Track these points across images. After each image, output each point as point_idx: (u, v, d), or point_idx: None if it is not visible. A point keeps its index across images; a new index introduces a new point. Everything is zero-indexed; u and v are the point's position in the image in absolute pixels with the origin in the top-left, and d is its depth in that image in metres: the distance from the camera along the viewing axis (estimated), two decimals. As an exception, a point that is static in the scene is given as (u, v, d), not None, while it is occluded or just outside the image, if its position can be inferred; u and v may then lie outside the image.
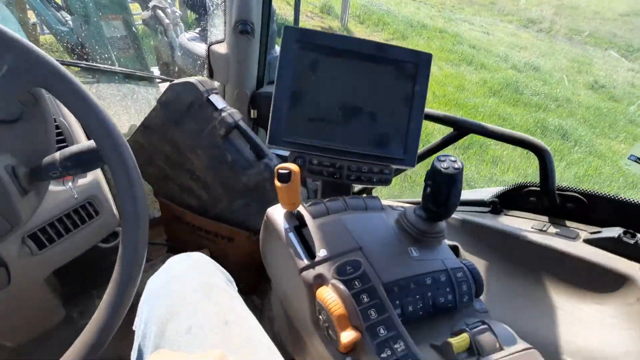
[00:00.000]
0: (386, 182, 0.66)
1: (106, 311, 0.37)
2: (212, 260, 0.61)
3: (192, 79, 0.95)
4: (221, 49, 1.13)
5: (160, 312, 0.48)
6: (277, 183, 0.47)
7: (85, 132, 0.36)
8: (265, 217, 0.52)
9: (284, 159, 1.08)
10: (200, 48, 1.35)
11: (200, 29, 1.52)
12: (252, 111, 1.24)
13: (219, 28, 1.16)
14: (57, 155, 0.44)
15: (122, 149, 0.39)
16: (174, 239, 1.21)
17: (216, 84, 1.17)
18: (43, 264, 0.53)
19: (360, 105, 0.65)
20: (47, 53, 0.35)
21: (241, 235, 1.06)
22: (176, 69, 1.64)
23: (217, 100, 0.98)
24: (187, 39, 1.43)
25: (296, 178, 0.46)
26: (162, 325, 0.46)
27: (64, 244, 0.51)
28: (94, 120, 0.37)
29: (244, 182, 1.00)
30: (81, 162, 0.43)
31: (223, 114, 0.97)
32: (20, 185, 0.43)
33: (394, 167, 0.67)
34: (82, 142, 0.52)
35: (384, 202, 0.60)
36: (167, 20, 1.67)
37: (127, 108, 1.09)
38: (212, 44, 1.14)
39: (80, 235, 0.71)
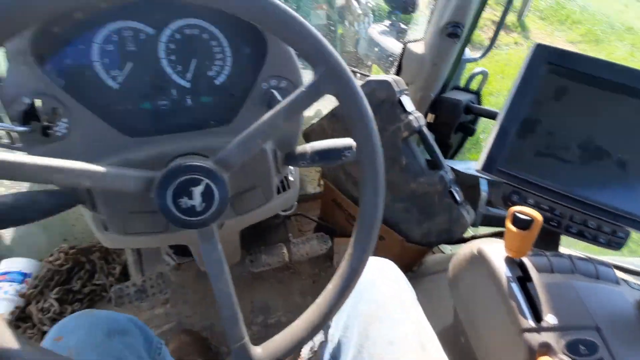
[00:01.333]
0: (616, 246, 0.54)
1: (333, 293, 0.41)
2: (397, 268, 0.62)
3: (388, 77, 0.96)
4: (417, 48, 1.11)
5: (362, 316, 0.51)
6: (510, 226, 0.43)
7: (350, 129, 0.40)
8: (476, 251, 0.49)
9: (459, 175, 1.02)
10: (389, 42, 1.36)
11: (390, 22, 1.53)
12: (429, 115, 1.20)
13: (418, 26, 1.14)
14: (308, 147, 0.49)
15: (377, 156, 0.41)
16: (327, 219, 1.31)
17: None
18: (245, 220, 0.63)
19: (607, 146, 0.54)
20: None
21: (393, 236, 1.06)
22: (357, 59, 1.73)
23: (407, 102, 0.98)
24: (378, 32, 1.46)
25: (537, 227, 0.41)
26: (364, 329, 0.49)
27: (262, 209, 0.59)
28: (362, 124, 0.40)
29: (412, 188, 0.99)
30: (330, 156, 0.48)
31: (410, 117, 0.96)
32: (276, 166, 0.51)
33: (633, 230, 0.54)
34: None
35: (579, 253, 0.50)
36: (359, 11, 1.74)
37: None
38: (408, 42, 1.13)
39: (274, 204, 0.80)
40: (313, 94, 0.37)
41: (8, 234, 1.10)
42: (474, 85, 1.28)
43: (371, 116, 0.40)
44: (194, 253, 0.78)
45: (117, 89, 0.47)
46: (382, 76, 0.97)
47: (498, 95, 4.96)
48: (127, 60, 0.47)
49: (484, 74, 1.25)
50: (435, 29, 1.03)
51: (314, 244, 1.18)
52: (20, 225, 0.38)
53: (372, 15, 1.72)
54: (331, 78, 0.36)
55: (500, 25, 1.07)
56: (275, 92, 0.50)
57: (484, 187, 1.00)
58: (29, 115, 0.41)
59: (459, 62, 1.15)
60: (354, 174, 1.10)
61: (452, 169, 1.01)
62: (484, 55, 1.18)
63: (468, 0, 0.94)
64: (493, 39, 1.13)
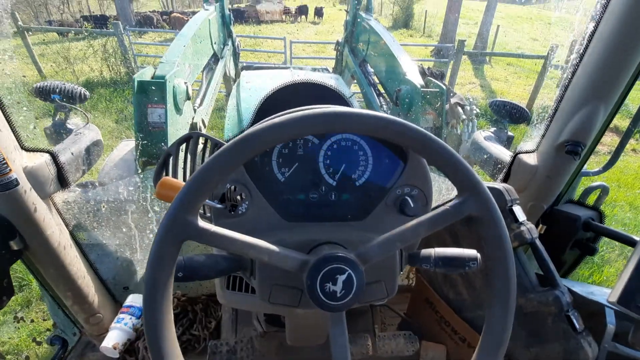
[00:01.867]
0: None
1: None
2: None
3: (499, 186, 0.98)
4: (530, 159, 1.12)
5: None
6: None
7: (484, 246, 0.44)
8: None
9: (576, 298, 0.92)
10: (495, 149, 1.39)
11: (495, 129, 1.58)
12: (540, 226, 1.14)
13: (532, 139, 1.16)
14: (433, 252, 0.54)
15: (511, 279, 0.43)
16: (416, 317, 1.25)
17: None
18: None
19: None
20: None
21: (494, 356, 0.96)
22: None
23: (518, 212, 0.96)
24: (484, 137, 1.51)
25: None
26: None
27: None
28: (499, 245, 0.43)
29: (520, 304, 0.92)
30: (454, 264, 0.51)
31: (522, 228, 0.93)
32: (400, 264, 0.56)
33: None
34: None
35: None
36: (463, 116, 1.85)
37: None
38: (520, 152, 1.15)
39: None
40: (457, 212, 0.43)
41: (141, 272, 1.30)
42: (590, 200, 1.19)
43: (508, 239, 0.44)
44: (288, 324, 0.83)
45: (283, 181, 0.60)
46: (492, 183, 1.00)
47: (614, 205, 4.36)
48: (295, 161, 0.60)
49: (604, 189, 1.17)
50: (551, 143, 1.04)
51: (400, 343, 1.13)
52: (202, 280, 0.49)
53: (476, 120, 1.81)
54: (476, 201, 0.42)
55: (627, 138, 1.03)
56: (409, 199, 0.57)
57: (610, 318, 0.88)
58: (223, 196, 0.55)
59: (576, 177, 1.11)
60: (453, 276, 1.07)
61: (570, 290, 0.92)
62: (605, 169, 1.13)
63: (592, 121, 0.95)
64: (616, 153, 1.08)
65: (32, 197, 0.86)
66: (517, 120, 1.53)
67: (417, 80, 1.75)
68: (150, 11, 19.21)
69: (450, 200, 0.47)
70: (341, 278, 0.44)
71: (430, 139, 0.43)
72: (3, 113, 0.80)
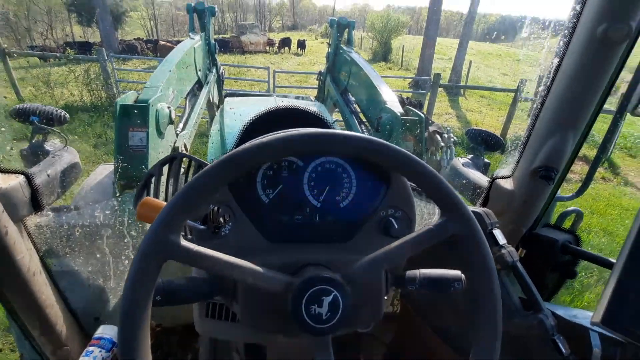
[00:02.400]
0: None
1: None
2: None
3: (479, 209, 1.00)
4: (506, 184, 1.16)
5: None
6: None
7: (468, 267, 0.44)
8: None
9: (560, 322, 0.93)
10: (473, 175, 1.44)
11: (472, 156, 1.64)
12: (520, 250, 1.16)
13: (507, 165, 1.21)
14: (418, 273, 0.54)
15: (497, 299, 0.43)
16: (399, 344, 1.22)
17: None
18: None
19: None
20: None
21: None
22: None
23: (499, 235, 0.98)
24: (462, 163, 1.56)
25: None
26: None
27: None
28: (482, 265, 0.43)
29: (505, 329, 0.91)
30: (439, 285, 0.51)
31: (502, 251, 0.95)
32: (386, 287, 0.55)
33: None
34: None
35: None
36: (442, 144, 1.92)
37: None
38: (497, 178, 1.19)
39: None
40: (441, 232, 0.43)
41: (114, 302, 1.23)
42: (566, 224, 1.24)
43: (492, 258, 0.44)
44: (270, 355, 0.79)
45: (267, 203, 0.59)
46: (472, 207, 1.02)
47: (589, 230, 4.53)
48: (279, 183, 0.60)
49: (578, 214, 1.22)
50: (525, 169, 1.09)
51: (386, 373, 1.09)
52: (181, 304, 0.47)
53: (454, 147, 1.88)
54: (458, 221, 0.43)
55: (596, 166, 1.09)
56: (393, 220, 0.58)
57: (595, 341, 0.88)
58: (206, 217, 0.54)
59: (552, 201, 1.15)
60: (438, 302, 1.07)
61: (553, 313, 0.93)
62: (577, 195, 1.18)
63: (562, 147, 1.00)
64: (587, 180, 1.13)
65: (3, 220, 0.82)
66: (493, 147, 1.60)
67: (397, 108, 1.82)
68: (134, 39, 19.43)
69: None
70: (327, 300, 0.43)
71: (412, 159, 0.44)
72: None
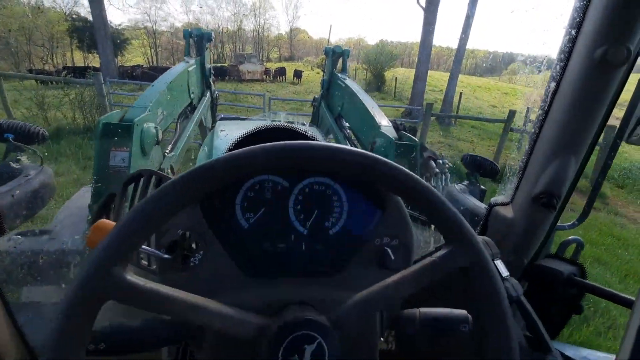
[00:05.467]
0: None
1: None
2: None
3: (479, 239, 0.94)
4: (506, 211, 1.10)
5: None
6: None
7: (476, 304, 0.37)
8: None
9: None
10: (469, 201, 1.39)
11: (468, 182, 1.59)
12: (522, 282, 1.09)
13: (505, 191, 1.16)
14: (417, 312, 0.46)
15: (512, 341, 0.36)
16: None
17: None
18: None
19: None
20: None
21: None
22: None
23: (501, 267, 0.91)
24: (457, 189, 1.52)
25: None
26: None
27: None
28: (494, 303, 0.37)
29: (511, 372, 0.82)
30: (443, 327, 0.44)
31: (506, 284, 0.88)
32: (381, 329, 0.47)
33: None
34: None
35: None
36: (436, 170, 1.89)
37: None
38: (495, 204, 1.14)
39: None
40: (446, 265, 0.37)
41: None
42: (566, 254, 1.18)
43: (504, 293, 0.38)
44: None
45: (247, 228, 0.52)
46: (472, 236, 0.96)
47: (583, 260, 4.45)
48: (261, 205, 0.53)
49: (579, 244, 1.16)
50: (526, 195, 1.04)
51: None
52: (135, 353, 0.39)
53: (449, 173, 1.84)
54: (467, 252, 0.37)
55: (596, 192, 1.05)
56: (389, 250, 0.51)
57: (610, 388, 0.80)
58: (174, 245, 0.46)
59: (552, 230, 1.10)
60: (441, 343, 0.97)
61: (562, 354, 0.85)
62: (580, 222, 1.12)
63: (564, 172, 0.96)
64: (588, 207, 1.09)
65: None
66: (489, 174, 1.56)
67: (392, 133, 1.78)
68: (134, 65, 19.81)
69: (435, 251, 0.41)
70: (310, 348, 0.36)
71: (412, 178, 0.38)
72: None
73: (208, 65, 3.01)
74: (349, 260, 0.52)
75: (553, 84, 0.97)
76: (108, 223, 0.41)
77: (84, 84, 7.88)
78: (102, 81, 7.38)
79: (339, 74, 3.08)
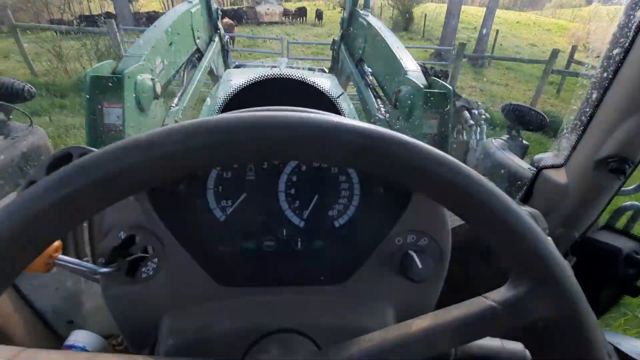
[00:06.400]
0: None
1: None
2: None
3: (523, 212, 0.78)
4: (557, 176, 0.92)
5: None
6: None
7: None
8: None
9: (621, 355, 0.72)
10: (511, 160, 1.19)
11: (508, 137, 1.38)
12: (569, 258, 0.94)
13: (560, 151, 0.96)
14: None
15: None
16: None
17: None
18: None
19: None
20: None
21: None
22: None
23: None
24: (495, 145, 1.32)
25: None
26: None
27: None
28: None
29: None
30: None
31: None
32: None
33: None
34: None
35: None
36: (471, 121, 1.66)
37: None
38: (544, 167, 0.95)
39: None
40: (515, 314, 0.22)
41: (89, 304, 1.09)
42: (621, 222, 1.00)
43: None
44: None
45: (223, 221, 0.39)
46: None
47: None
48: (242, 190, 0.39)
49: (637, 211, 0.98)
50: (586, 158, 0.85)
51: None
52: None
53: (485, 126, 1.61)
54: (553, 296, 0.22)
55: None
56: (414, 254, 0.37)
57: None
58: (116, 252, 0.34)
59: (613, 197, 0.91)
60: None
61: (613, 345, 0.72)
62: (643, 187, 0.93)
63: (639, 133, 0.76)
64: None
65: None
66: (535, 127, 1.33)
67: (420, 80, 1.54)
68: (150, 11, 19.10)
69: (495, 290, 0.26)
70: None
71: (484, 186, 0.23)
72: None
73: (215, 6, 2.71)
74: (359, 264, 0.39)
75: (630, 17, 0.73)
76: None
77: (98, 33, 7.67)
78: (116, 29, 7.12)
79: (361, 11, 2.71)
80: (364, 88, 2.35)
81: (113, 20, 7.49)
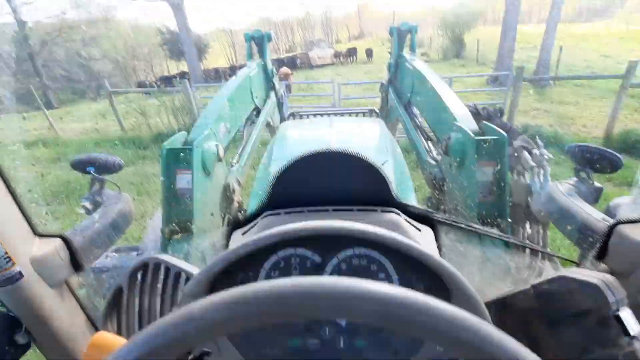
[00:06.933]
0: None
1: None
2: None
3: (595, 279, 0.71)
4: (638, 233, 0.82)
5: None
6: None
7: None
8: None
9: None
10: (581, 209, 1.09)
11: (577, 180, 1.27)
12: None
13: (636, 203, 0.87)
14: None
15: None
16: None
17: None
18: None
19: None
20: None
21: None
22: (528, 214, 1.47)
23: (629, 319, 0.67)
24: (561, 190, 1.21)
25: None
26: None
27: None
28: None
29: None
30: None
31: (635, 345, 0.64)
32: None
33: None
34: None
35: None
36: (532, 163, 1.56)
37: (482, 269, 1.00)
38: (621, 222, 0.86)
39: None
40: None
41: None
42: None
43: None
44: None
45: None
46: (584, 276, 0.73)
47: None
48: None
49: None
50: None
51: None
52: None
53: (548, 168, 1.49)
54: None
55: None
56: None
57: None
58: None
59: None
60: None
61: None
62: None
63: None
64: None
65: (38, 288, 0.81)
66: (607, 169, 1.21)
67: (470, 125, 1.51)
68: (216, 68, 21.54)
69: None
70: None
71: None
72: (15, 200, 0.78)
73: (270, 66, 3.00)
74: None
75: None
76: (108, 339, 0.36)
77: (174, 92, 8.81)
78: (188, 87, 8.12)
79: (407, 56, 2.78)
80: (412, 130, 2.35)
81: (186, 81, 8.56)
